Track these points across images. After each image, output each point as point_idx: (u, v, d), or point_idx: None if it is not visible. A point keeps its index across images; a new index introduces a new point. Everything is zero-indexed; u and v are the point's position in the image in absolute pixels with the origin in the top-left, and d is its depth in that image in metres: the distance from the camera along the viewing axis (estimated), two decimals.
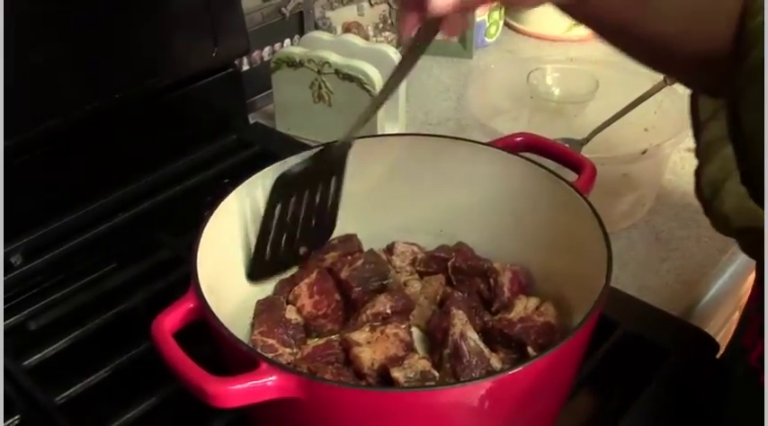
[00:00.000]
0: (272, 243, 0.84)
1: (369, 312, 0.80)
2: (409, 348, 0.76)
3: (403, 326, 0.77)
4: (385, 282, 0.85)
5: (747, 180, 0.63)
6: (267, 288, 0.86)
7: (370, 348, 0.74)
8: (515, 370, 0.62)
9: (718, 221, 0.75)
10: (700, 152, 0.75)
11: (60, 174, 1.04)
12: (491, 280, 0.85)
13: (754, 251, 0.74)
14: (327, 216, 0.87)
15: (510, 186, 0.86)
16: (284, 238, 0.84)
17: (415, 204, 0.91)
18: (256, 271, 0.84)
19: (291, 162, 0.83)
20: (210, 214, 0.77)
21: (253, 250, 0.83)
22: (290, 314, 0.82)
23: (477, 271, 0.86)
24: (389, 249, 0.92)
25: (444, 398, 0.62)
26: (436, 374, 0.73)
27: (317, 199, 0.84)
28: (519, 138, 0.88)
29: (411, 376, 0.71)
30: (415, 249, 0.91)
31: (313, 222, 0.86)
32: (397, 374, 0.72)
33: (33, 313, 0.90)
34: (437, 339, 0.78)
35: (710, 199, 0.74)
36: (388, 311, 0.80)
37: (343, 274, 0.85)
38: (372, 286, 0.84)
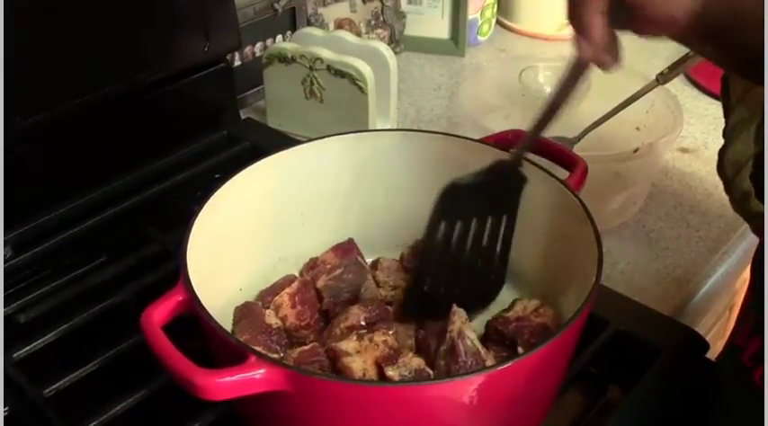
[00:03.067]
0: (433, 274, 0.81)
1: (342, 325, 0.79)
2: (399, 354, 0.75)
3: (391, 332, 0.76)
4: (358, 293, 0.84)
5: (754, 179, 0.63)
6: (253, 286, 0.86)
7: (360, 357, 0.73)
8: (503, 367, 0.62)
9: (737, 199, 0.78)
10: (727, 132, 0.78)
11: (50, 168, 1.03)
12: None
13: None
14: (494, 266, 0.83)
15: None
16: (444, 273, 0.81)
17: (405, 200, 0.91)
18: (408, 306, 0.83)
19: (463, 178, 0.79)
20: (200, 209, 0.77)
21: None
22: (270, 319, 0.81)
23: None
24: (374, 264, 0.90)
25: (431, 393, 0.62)
26: (431, 372, 0.73)
27: (486, 238, 0.81)
28: (511, 135, 0.88)
29: (405, 374, 0.71)
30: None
31: (478, 265, 0.82)
32: (391, 372, 0.71)
33: (22, 305, 0.90)
34: (434, 337, 0.78)
35: (732, 177, 0.77)
36: (363, 323, 0.79)
37: (320, 283, 0.84)
38: (344, 296, 0.84)
